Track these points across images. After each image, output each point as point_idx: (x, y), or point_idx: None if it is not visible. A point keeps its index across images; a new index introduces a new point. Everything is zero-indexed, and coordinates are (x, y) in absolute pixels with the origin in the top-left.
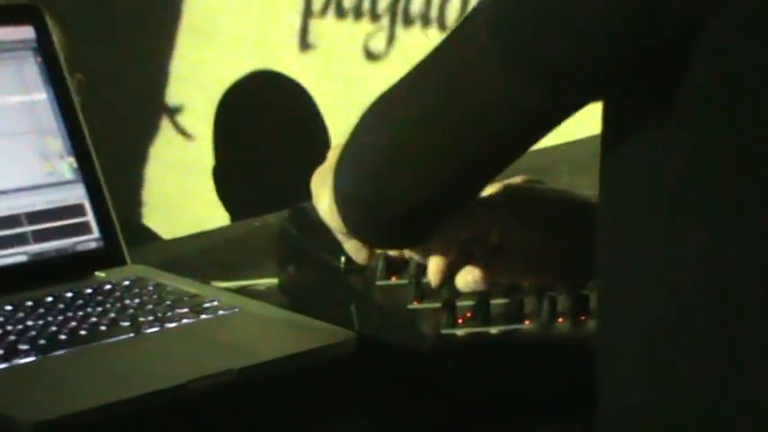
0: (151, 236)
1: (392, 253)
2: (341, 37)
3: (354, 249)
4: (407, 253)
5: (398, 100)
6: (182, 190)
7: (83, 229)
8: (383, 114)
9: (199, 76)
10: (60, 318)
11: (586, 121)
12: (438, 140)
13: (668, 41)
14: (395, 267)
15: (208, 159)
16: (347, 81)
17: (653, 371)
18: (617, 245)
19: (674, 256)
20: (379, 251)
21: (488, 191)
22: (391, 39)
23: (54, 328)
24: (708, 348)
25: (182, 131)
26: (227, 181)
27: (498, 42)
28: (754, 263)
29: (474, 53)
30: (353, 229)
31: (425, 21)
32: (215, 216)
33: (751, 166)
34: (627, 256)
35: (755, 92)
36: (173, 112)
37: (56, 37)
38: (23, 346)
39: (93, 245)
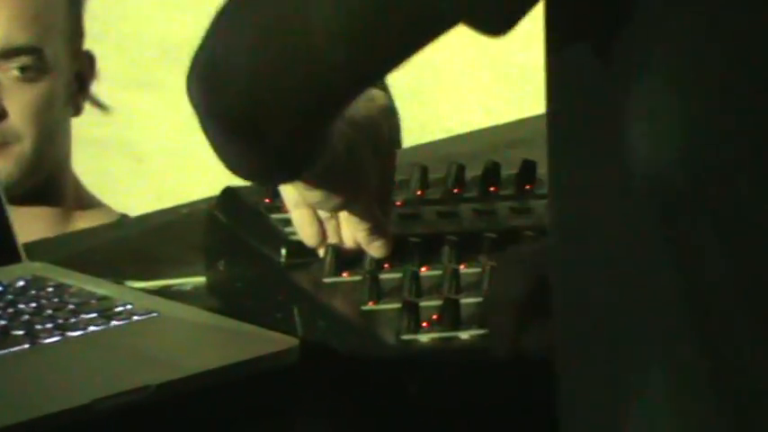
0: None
1: (346, 240)
2: None
3: (302, 221)
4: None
5: None
6: (96, 171)
7: None
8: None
9: (116, 36)
10: None
11: None
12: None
13: None
14: (347, 261)
15: (127, 135)
16: None
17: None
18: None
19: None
20: (332, 240)
21: None
22: None
23: None
24: (665, 280)
25: (96, 103)
26: None
27: None
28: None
29: None
30: (223, 157)
31: None
32: (135, 202)
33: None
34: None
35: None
36: None
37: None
38: None
39: None
